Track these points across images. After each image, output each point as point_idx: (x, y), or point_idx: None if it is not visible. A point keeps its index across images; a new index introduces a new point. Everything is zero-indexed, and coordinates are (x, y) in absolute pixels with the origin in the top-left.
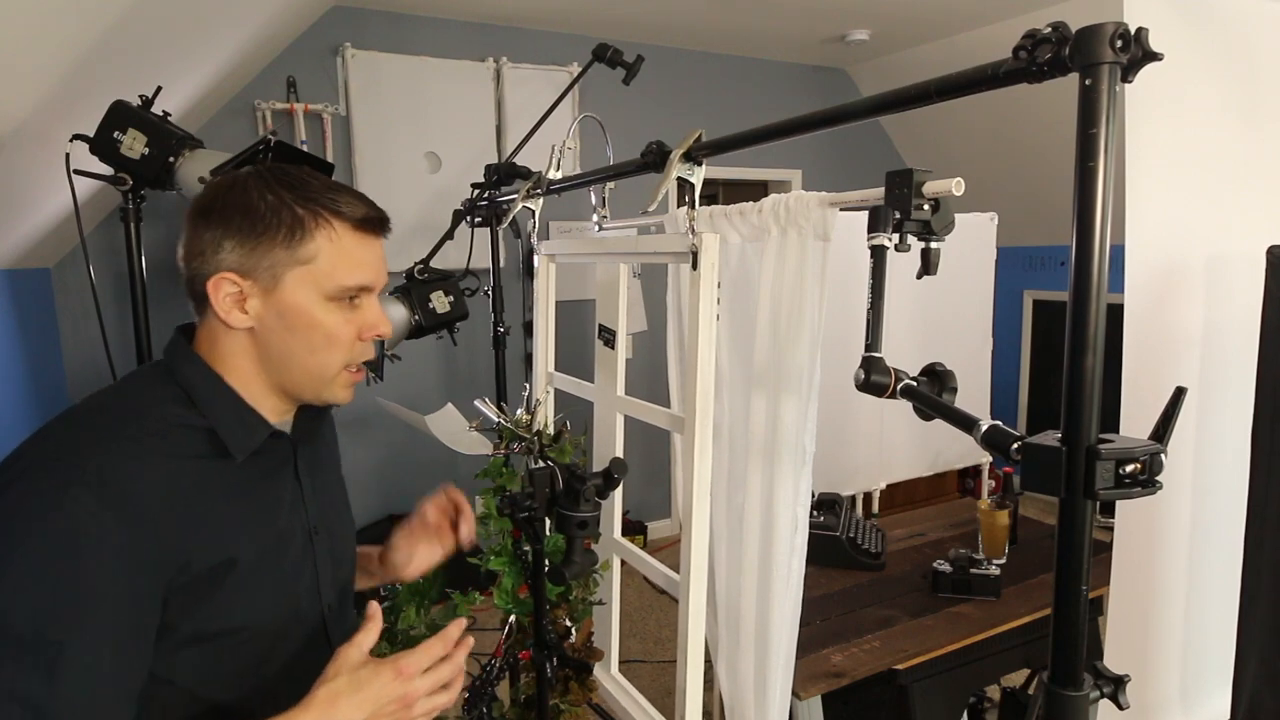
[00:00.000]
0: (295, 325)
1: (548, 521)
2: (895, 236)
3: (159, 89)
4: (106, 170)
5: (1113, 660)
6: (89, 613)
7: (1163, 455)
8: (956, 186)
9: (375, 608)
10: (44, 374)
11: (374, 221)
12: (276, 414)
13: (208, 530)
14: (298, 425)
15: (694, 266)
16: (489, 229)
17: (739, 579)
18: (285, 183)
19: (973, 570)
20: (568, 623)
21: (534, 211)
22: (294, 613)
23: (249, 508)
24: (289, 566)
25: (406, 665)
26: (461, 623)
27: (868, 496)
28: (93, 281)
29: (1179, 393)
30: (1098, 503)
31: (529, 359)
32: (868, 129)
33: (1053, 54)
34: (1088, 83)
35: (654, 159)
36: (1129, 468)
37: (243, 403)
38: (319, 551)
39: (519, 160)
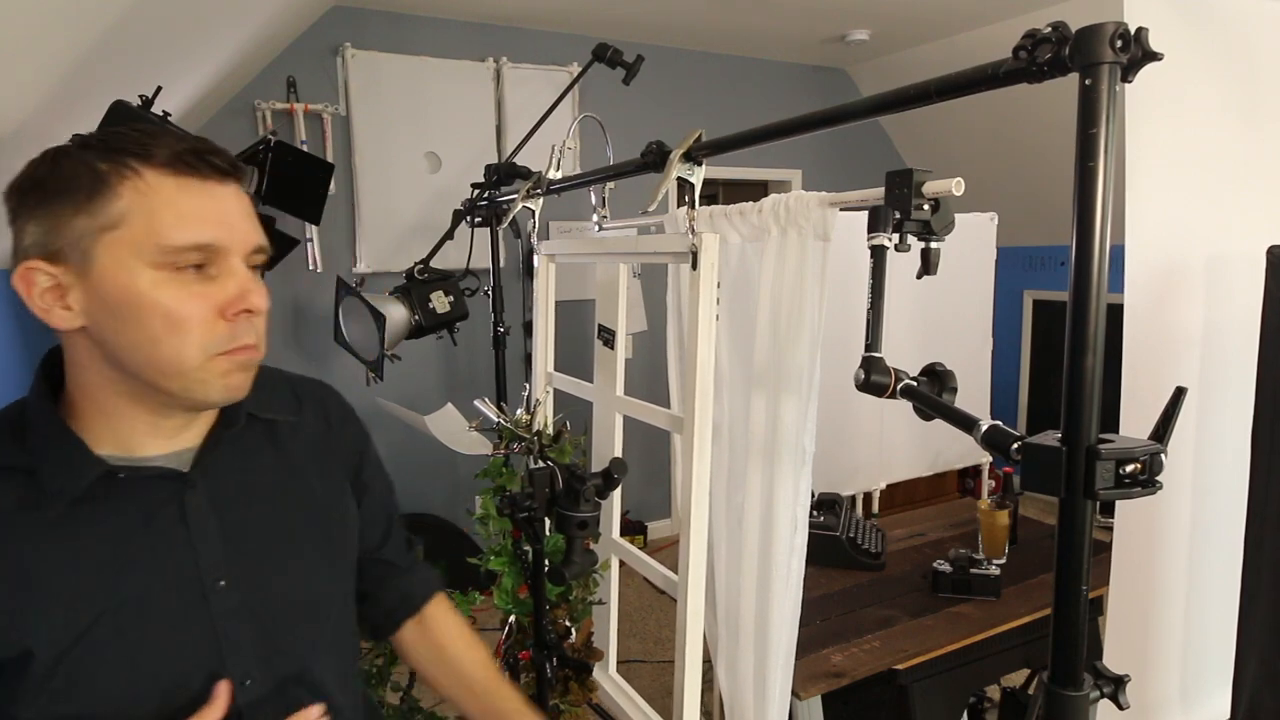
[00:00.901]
0: (123, 311)
1: (548, 521)
2: (895, 236)
3: (159, 89)
4: None
5: (1113, 660)
6: None
7: (1163, 455)
8: (956, 186)
9: (222, 689)
10: None
11: (196, 158)
12: (159, 436)
13: None
14: (209, 447)
15: (694, 266)
16: (489, 229)
17: (738, 579)
18: (91, 142)
19: (973, 570)
20: (567, 623)
21: (534, 211)
22: (170, 698)
23: (68, 572)
24: (152, 640)
25: None
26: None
27: (868, 496)
28: None
29: (1179, 393)
30: (1098, 503)
31: (529, 359)
32: (868, 129)
33: (1053, 54)
34: (1088, 83)
35: (654, 159)
36: (1129, 468)
37: (66, 433)
38: (220, 611)
39: (519, 160)
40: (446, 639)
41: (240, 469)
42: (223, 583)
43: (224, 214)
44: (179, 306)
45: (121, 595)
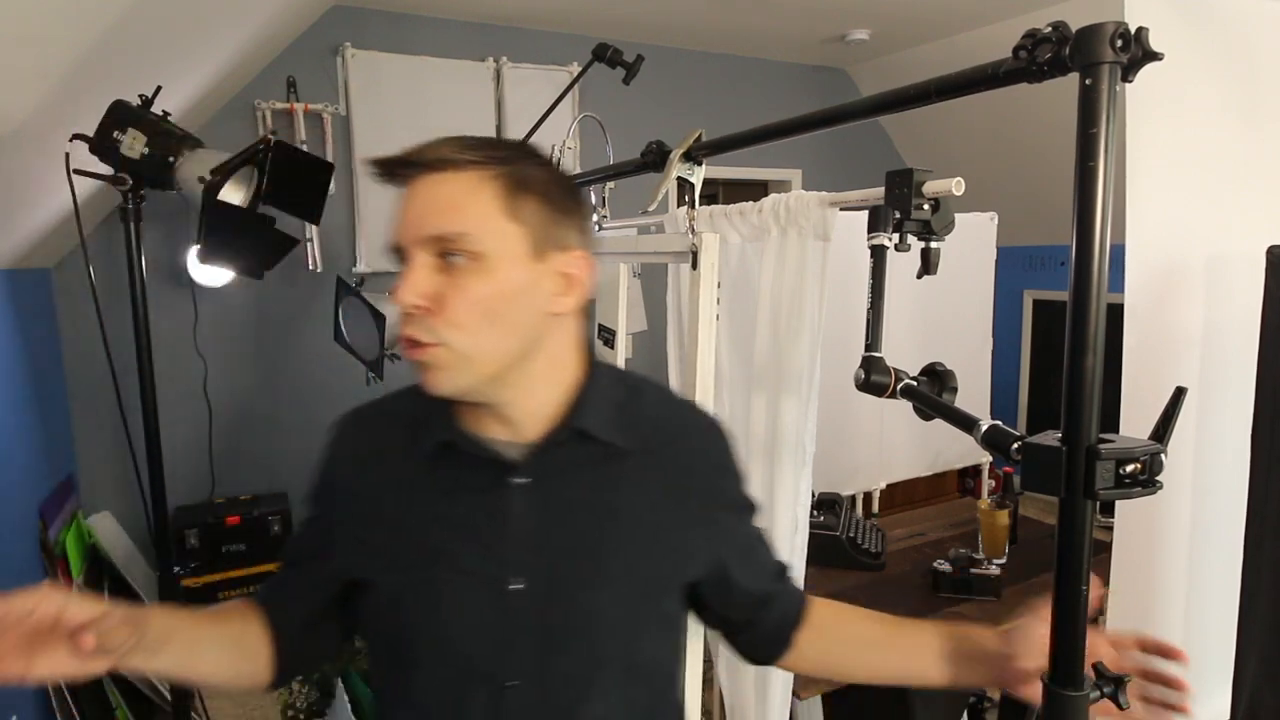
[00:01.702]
0: None
1: None
2: (895, 236)
3: (159, 89)
4: (106, 170)
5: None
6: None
7: (1163, 455)
8: (956, 186)
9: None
10: (44, 374)
11: (387, 170)
12: (500, 423)
13: (356, 506)
14: (544, 449)
15: (694, 266)
16: None
17: None
18: None
19: (973, 570)
20: None
21: None
22: (463, 664)
23: (409, 521)
24: (455, 607)
25: None
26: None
27: (868, 496)
28: (93, 281)
29: (1179, 393)
30: (1098, 503)
31: None
32: (868, 129)
33: (1053, 54)
34: (1088, 82)
35: (654, 159)
36: (1129, 468)
37: (446, 402)
38: (511, 608)
39: None
40: (832, 622)
41: (569, 479)
42: (520, 584)
43: (404, 212)
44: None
45: (443, 556)
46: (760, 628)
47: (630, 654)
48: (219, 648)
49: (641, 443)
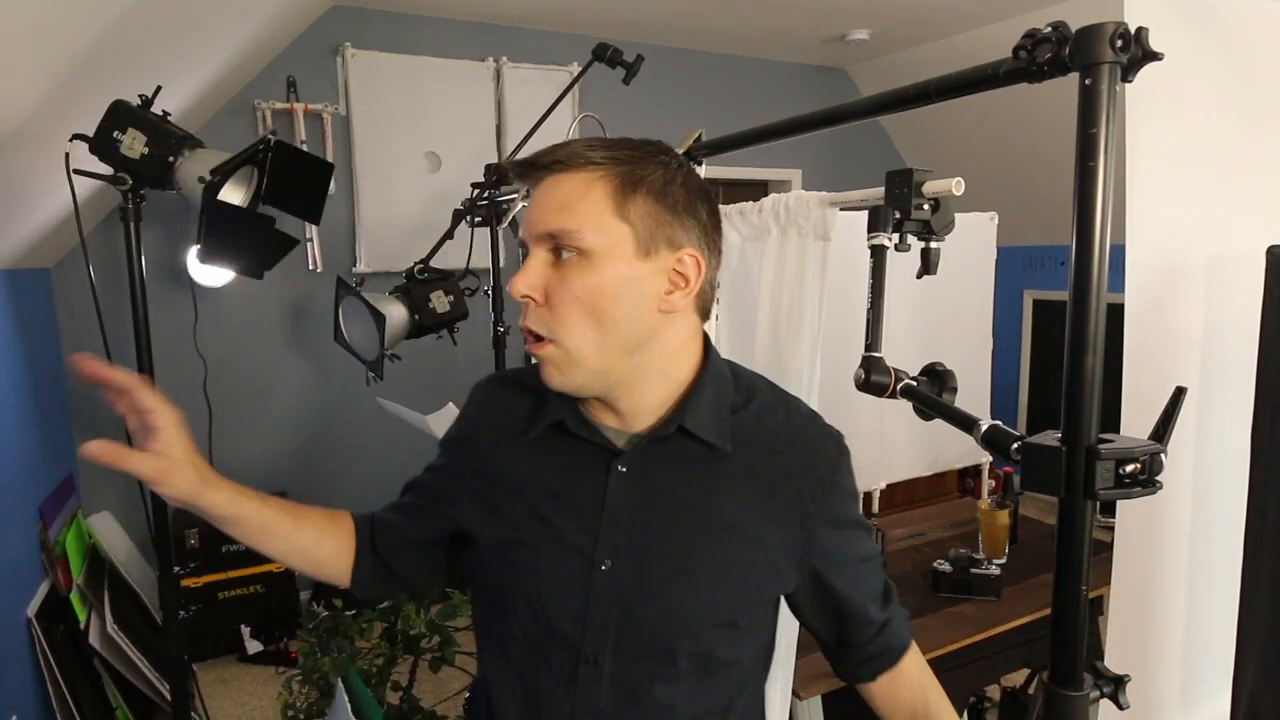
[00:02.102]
0: None
1: None
2: (895, 236)
3: (159, 89)
4: (106, 170)
5: (1113, 660)
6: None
7: (1163, 455)
8: (956, 186)
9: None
10: (44, 374)
11: (522, 168)
12: (610, 413)
13: (479, 465)
14: (648, 442)
15: None
16: (489, 229)
17: None
18: None
19: (973, 570)
20: None
21: None
22: (550, 633)
23: (518, 490)
24: (548, 577)
25: None
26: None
27: (868, 496)
28: (93, 281)
29: (1179, 393)
30: (1098, 503)
31: (529, 359)
32: (868, 129)
33: (1053, 54)
34: (1088, 82)
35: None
36: (1129, 468)
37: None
38: (598, 588)
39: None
40: (919, 702)
41: (669, 474)
42: (608, 564)
43: (529, 210)
44: None
45: (545, 525)
46: (852, 649)
47: (706, 651)
48: (287, 542)
49: (746, 447)
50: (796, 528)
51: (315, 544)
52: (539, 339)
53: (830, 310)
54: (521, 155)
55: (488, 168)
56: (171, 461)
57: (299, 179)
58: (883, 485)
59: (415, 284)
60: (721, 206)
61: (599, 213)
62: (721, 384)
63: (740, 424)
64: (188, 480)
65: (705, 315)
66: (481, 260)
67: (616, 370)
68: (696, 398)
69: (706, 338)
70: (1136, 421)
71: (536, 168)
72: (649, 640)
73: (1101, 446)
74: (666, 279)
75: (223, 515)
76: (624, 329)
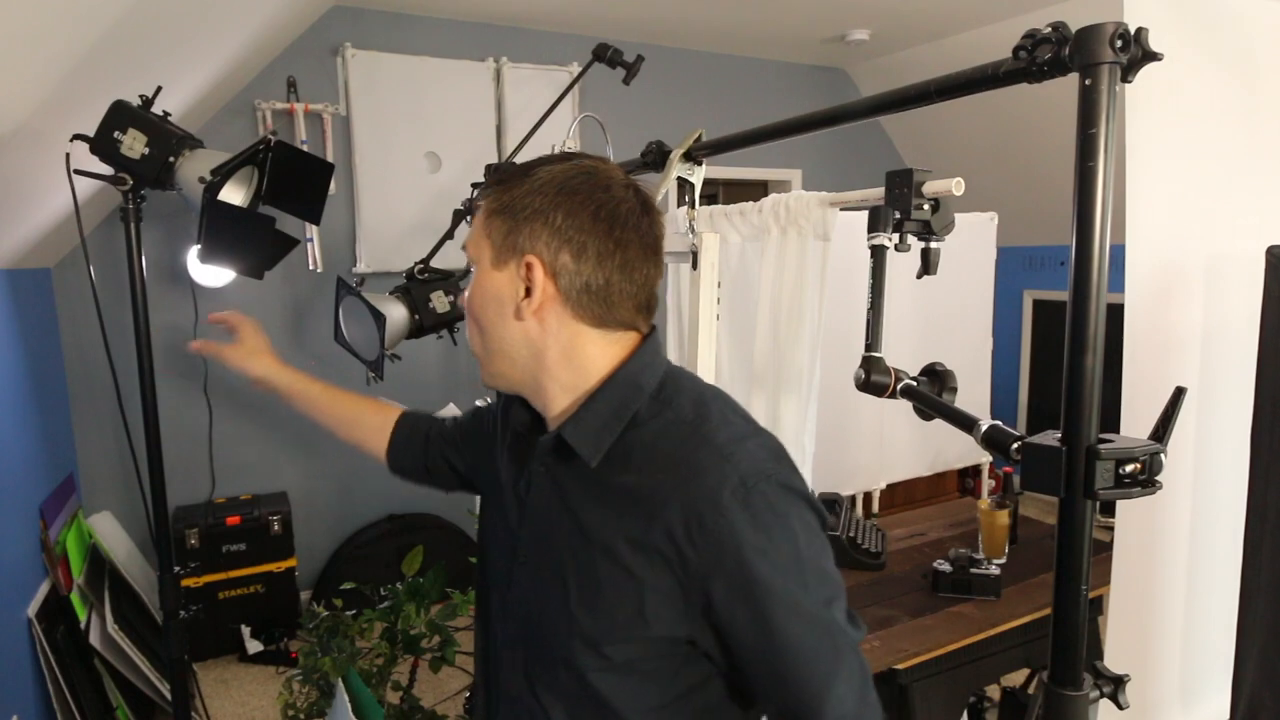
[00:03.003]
0: None
1: None
2: (895, 236)
3: (159, 89)
4: (107, 170)
5: (1113, 660)
6: None
7: (1162, 455)
8: (956, 186)
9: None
10: (44, 374)
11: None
12: (547, 409)
13: (490, 440)
14: (546, 446)
15: (694, 266)
16: None
17: None
18: None
19: (973, 570)
20: None
21: None
22: (490, 589)
23: (498, 461)
24: (493, 547)
25: None
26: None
27: (868, 496)
28: (93, 281)
29: (1179, 393)
30: (1098, 502)
31: None
32: (868, 129)
33: (1052, 54)
34: (1087, 83)
35: (654, 159)
36: (1129, 467)
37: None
38: (514, 578)
39: (519, 160)
40: None
41: (566, 483)
42: (524, 560)
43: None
44: None
45: (499, 511)
46: None
47: (579, 674)
48: (331, 416)
49: (632, 467)
50: (678, 570)
51: (353, 420)
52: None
53: (830, 310)
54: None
55: (488, 168)
56: (250, 351)
57: (299, 179)
58: (883, 485)
59: (415, 284)
60: (721, 206)
61: (478, 234)
62: (626, 396)
63: (631, 441)
64: (264, 365)
65: (601, 323)
66: None
67: (512, 376)
68: (588, 408)
69: (644, 349)
70: (1136, 421)
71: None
72: (540, 642)
73: (1101, 446)
74: (516, 287)
75: (288, 391)
76: (493, 335)
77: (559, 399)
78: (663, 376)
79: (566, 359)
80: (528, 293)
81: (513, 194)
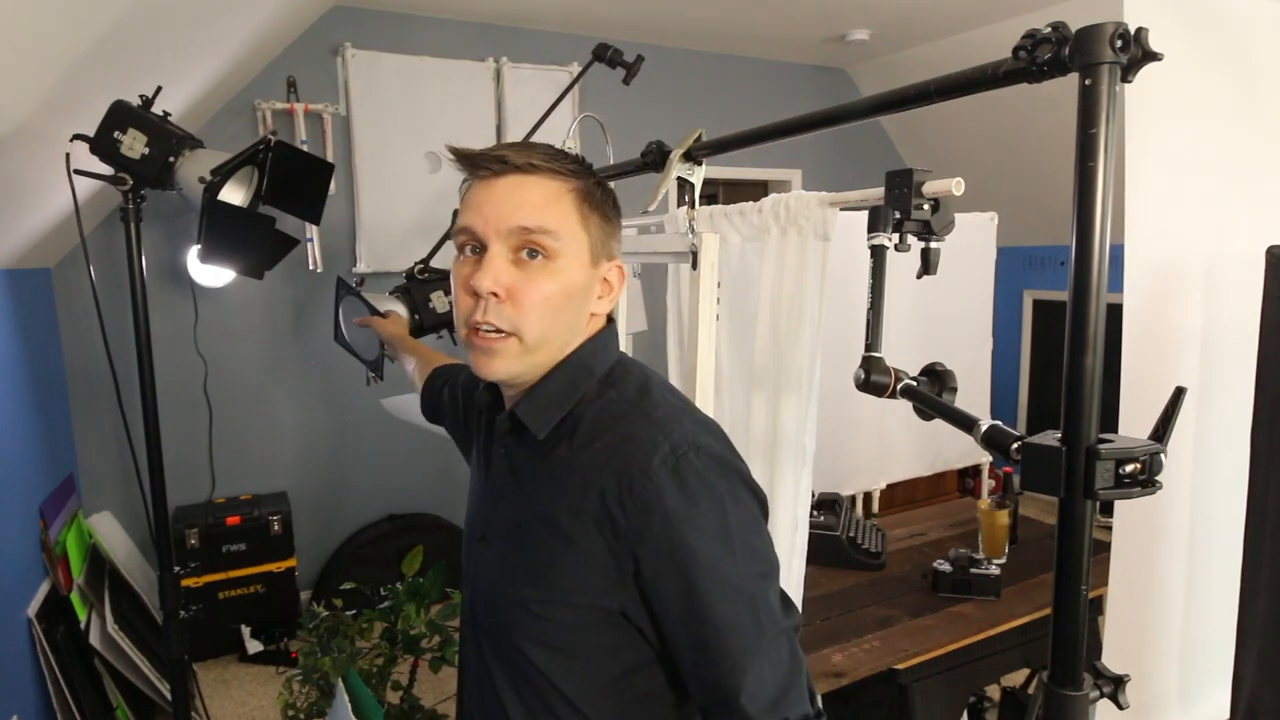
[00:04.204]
0: None
1: None
2: (895, 236)
3: (159, 89)
4: (107, 170)
5: (1112, 660)
6: None
7: (1162, 455)
8: (956, 186)
9: None
10: (44, 374)
11: (474, 159)
12: (510, 390)
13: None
14: (505, 425)
15: (694, 266)
16: None
17: None
18: None
19: (973, 570)
20: None
21: None
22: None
23: (474, 439)
24: (470, 514)
25: None
26: None
27: (868, 496)
28: (93, 281)
29: (1178, 393)
30: (1097, 503)
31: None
32: (868, 129)
33: (1052, 54)
34: (1087, 83)
35: (654, 159)
36: (1129, 468)
37: None
38: (479, 550)
39: None
40: None
41: (520, 460)
42: (482, 537)
43: (484, 203)
44: (454, 279)
45: (471, 491)
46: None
47: (521, 649)
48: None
49: (574, 441)
50: (610, 536)
51: (417, 373)
52: (497, 332)
53: (830, 310)
54: (473, 148)
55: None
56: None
57: (299, 179)
58: (883, 485)
59: (415, 284)
60: (721, 206)
61: (570, 220)
62: (576, 377)
63: (577, 416)
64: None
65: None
66: None
67: (540, 363)
68: (540, 387)
69: (600, 335)
70: (1136, 421)
71: (503, 164)
72: (495, 621)
73: (1101, 446)
74: (601, 286)
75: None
76: (567, 328)
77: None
78: (612, 364)
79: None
80: (604, 293)
81: (605, 197)
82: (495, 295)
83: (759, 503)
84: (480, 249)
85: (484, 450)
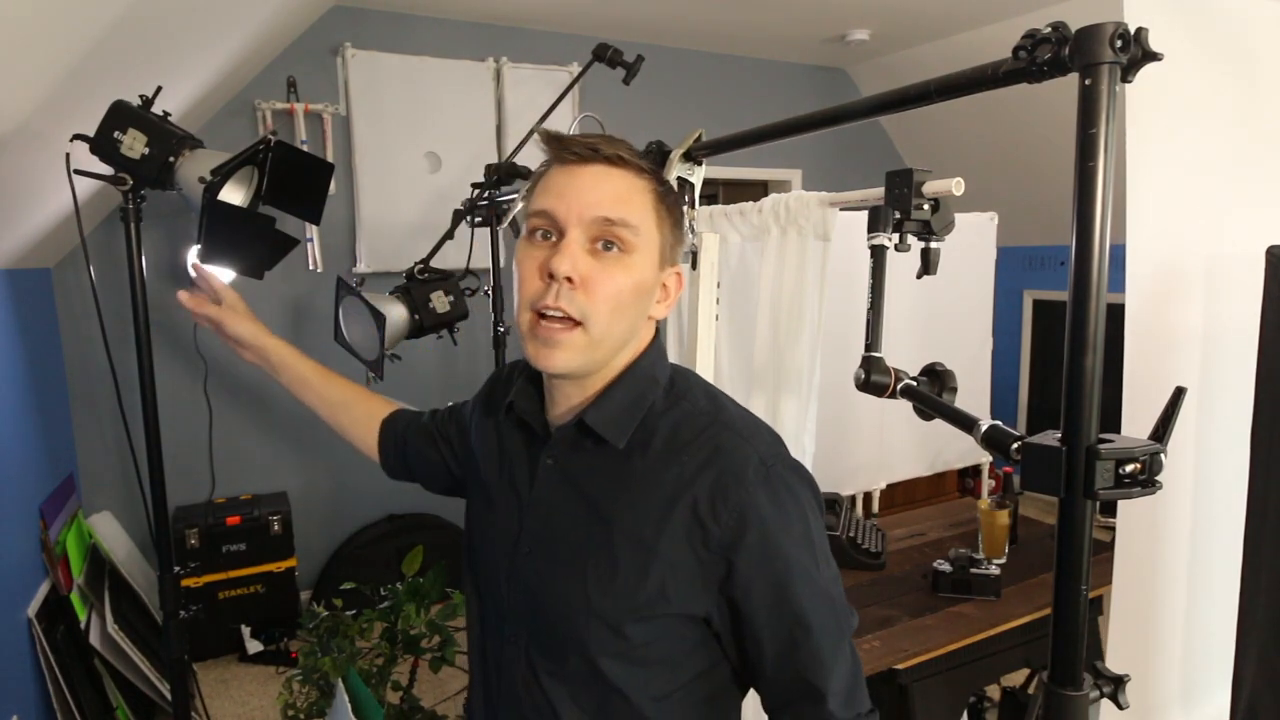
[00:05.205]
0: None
1: None
2: (895, 236)
3: (159, 89)
4: (107, 170)
5: (1113, 660)
6: None
7: (1162, 455)
8: (956, 186)
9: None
10: (44, 374)
11: (564, 142)
12: (553, 396)
13: (469, 436)
14: (565, 430)
15: (694, 266)
16: (489, 229)
17: None
18: None
19: (973, 570)
20: None
21: None
22: (487, 583)
23: (486, 456)
24: (490, 539)
25: None
26: None
27: (868, 496)
28: (93, 281)
29: (1179, 392)
30: (1098, 502)
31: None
32: (868, 129)
33: (1052, 54)
34: (1087, 83)
35: (654, 159)
36: (1129, 467)
37: (538, 375)
38: (516, 568)
39: (519, 160)
40: None
41: (582, 469)
42: (528, 550)
43: (566, 188)
44: (522, 262)
45: (490, 504)
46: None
47: (592, 658)
48: (319, 396)
49: (654, 451)
50: (699, 545)
51: (342, 405)
52: (566, 320)
53: (830, 310)
54: (579, 140)
55: (488, 168)
56: (233, 312)
57: (299, 179)
58: (883, 485)
59: (415, 284)
60: (721, 206)
61: (649, 218)
62: (644, 386)
63: (653, 427)
64: (247, 329)
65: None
66: (481, 260)
67: (598, 361)
68: (609, 395)
69: (655, 345)
70: (1136, 421)
71: (597, 154)
72: (549, 631)
73: (1101, 446)
74: (662, 289)
75: (274, 361)
76: (629, 326)
77: (589, 390)
78: (671, 373)
79: (640, 352)
80: (664, 296)
81: (676, 202)
82: (570, 281)
83: (822, 509)
84: (555, 234)
85: (517, 462)
